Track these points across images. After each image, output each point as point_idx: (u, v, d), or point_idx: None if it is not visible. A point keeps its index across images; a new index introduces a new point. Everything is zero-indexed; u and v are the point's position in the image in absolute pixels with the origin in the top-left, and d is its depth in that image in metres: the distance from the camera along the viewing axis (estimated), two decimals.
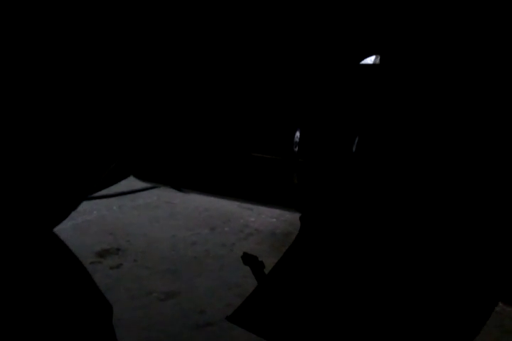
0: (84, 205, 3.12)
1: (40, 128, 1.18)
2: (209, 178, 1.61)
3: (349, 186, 1.26)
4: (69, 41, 1.15)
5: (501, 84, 1.12)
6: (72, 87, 1.20)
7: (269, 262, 1.30)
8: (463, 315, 1.06)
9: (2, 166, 1.14)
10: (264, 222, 3.65)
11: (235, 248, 3.27)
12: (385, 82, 1.27)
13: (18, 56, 1.11)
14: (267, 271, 1.30)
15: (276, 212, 3.63)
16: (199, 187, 1.73)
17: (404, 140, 1.19)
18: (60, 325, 1.07)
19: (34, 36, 1.11)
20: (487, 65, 1.13)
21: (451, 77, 1.16)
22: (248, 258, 1.30)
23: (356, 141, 1.23)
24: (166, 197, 3.98)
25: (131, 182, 2.04)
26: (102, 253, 3.21)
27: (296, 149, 1.31)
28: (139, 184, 2.10)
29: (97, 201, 3.55)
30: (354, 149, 1.23)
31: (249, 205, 3.52)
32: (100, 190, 1.78)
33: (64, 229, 3.19)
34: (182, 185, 1.70)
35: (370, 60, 1.45)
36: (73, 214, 1.43)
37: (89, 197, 2.10)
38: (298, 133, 1.31)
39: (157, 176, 1.78)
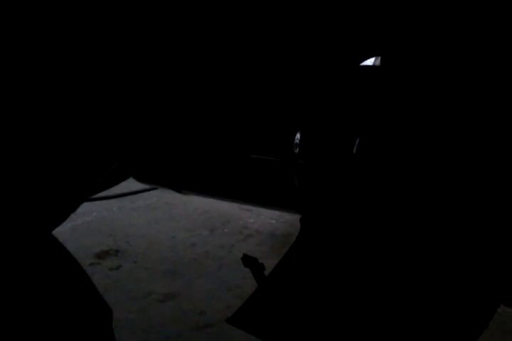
0: (84, 207, 3.11)
1: (40, 130, 1.17)
2: (209, 180, 1.61)
3: (350, 188, 1.25)
4: (69, 41, 1.15)
5: (502, 87, 1.11)
6: (73, 88, 1.20)
7: (269, 263, 1.30)
8: (466, 315, 1.06)
9: (2, 167, 1.14)
10: (263, 224, 3.65)
11: (235, 249, 3.27)
12: (386, 83, 1.26)
13: (18, 56, 1.11)
14: (266, 272, 1.29)
15: (275, 213, 3.63)
16: (199, 189, 1.72)
17: (405, 141, 1.19)
18: (59, 329, 1.06)
19: (34, 36, 1.10)
20: (488, 67, 1.13)
21: (451, 79, 1.15)
22: (248, 260, 1.29)
23: (357, 142, 1.23)
24: (165, 198, 3.98)
25: (130, 184, 2.04)
26: (102, 255, 3.21)
27: (297, 151, 1.31)
28: (139, 185, 2.09)
29: (97, 202, 3.54)
30: (355, 151, 1.23)
31: (249, 207, 3.52)
32: (100, 191, 1.78)
33: (63, 231, 3.19)
34: (182, 186, 1.69)
35: (369, 61, 1.45)
36: (72, 215, 1.43)
37: (88, 199, 2.10)
38: (298, 135, 1.31)
39: (157, 178, 1.78)
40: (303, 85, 1.38)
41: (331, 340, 1.15)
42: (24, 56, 1.11)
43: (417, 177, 1.17)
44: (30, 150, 1.17)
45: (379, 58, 1.43)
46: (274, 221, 3.67)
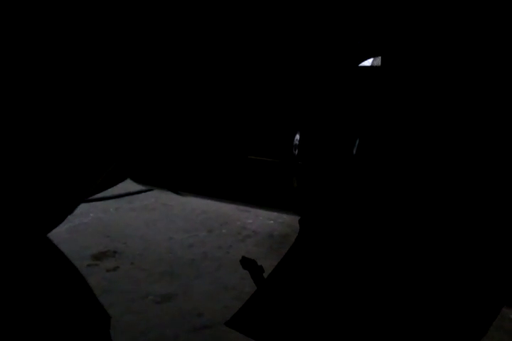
0: (81, 208, 3.10)
1: (38, 131, 1.17)
2: (208, 181, 1.60)
3: (349, 189, 1.25)
4: (70, 42, 1.14)
5: (502, 88, 1.11)
6: (71, 90, 1.19)
7: (267, 264, 1.29)
8: (469, 316, 1.05)
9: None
10: (261, 224, 3.64)
11: (233, 250, 3.26)
12: (386, 84, 1.26)
13: (18, 56, 1.10)
14: (265, 273, 1.29)
15: (273, 214, 3.63)
16: (197, 191, 1.71)
17: (406, 142, 1.18)
18: (55, 335, 1.05)
19: (34, 36, 1.10)
20: (488, 68, 1.12)
21: (452, 80, 1.15)
22: (247, 263, 1.28)
23: (357, 143, 1.22)
24: (163, 199, 3.96)
25: (127, 185, 2.02)
26: (99, 256, 3.20)
27: (296, 152, 1.30)
28: (136, 186, 2.08)
29: (94, 203, 3.53)
30: (355, 152, 1.22)
31: (247, 207, 3.52)
32: (98, 192, 1.77)
33: (60, 232, 3.18)
34: (180, 188, 1.69)
35: (368, 62, 1.45)
36: (69, 216, 1.41)
37: (85, 200, 2.09)
38: (298, 136, 1.30)
39: (155, 179, 1.77)
40: (302, 86, 1.37)
41: None
42: (24, 56, 1.11)
43: (417, 178, 1.16)
44: (28, 151, 1.17)
45: (377, 58, 1.43)
46: (272, 221, 3.67)
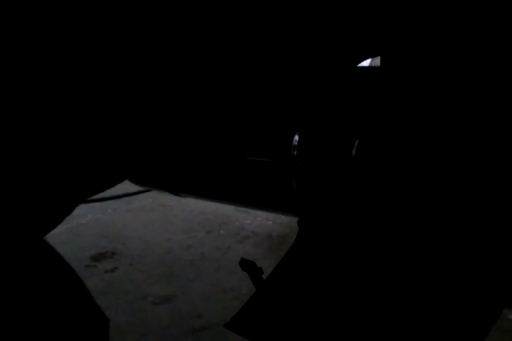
0: (79, 209, 3.09)
1: (36, 132, 1.16)
2: (207, 183, 1.60)
3: (348, 190, 1.24)
4: (70, 42, 1.13)
5: (502, 89, 1.10)
6: (70, 91, 1.18)
7: (266, 265, 1.28)
8: (470, 317, 1.05)
9: None
10: (260, 225, 3.63)
11: (231, 251, 3.26)
12: (386, 84, 1.25)
13: (18, 57, 1.10)
14: (264, 274, 1.28)
15: (272, 214, 3.62)
16: (196, 192, 1.71)
17: (405, 143, 1.18)
18: (53, 339, 1.04)
19: (35, 36, 1.09)
20: (488, 68, 1.12)
21: (452, 80, 1.14)
22: (246, 264, 1.28)
23: (356, 144, 1.21)
24: (161, 200, 3.96)
25: (125, 185, 2.02)
26: (97, 257, 3.19)
27: (295, 153, 1.30)
28: (134, 187, 2.08)
29: (92, 204, 3.53)
30: (354, 153, 1.22)
31: (245, 208, 3.51)
32: (96, 193, 1.76)
33: (58, 233, 3.17)
34: (179, 189, 1.68)
35: (367, 62, 1.44)
36: (67, 217, 1.41)
37: (84, 201, 2.08)
38: (297, 137, 1.30)
39: (153, 180, 1.76)
40: (301, 87, 1.36)
41: None
42: (23, 56, 1.10)
43: (416, 179, 1.16)
44: (26, 152, 1.16)
45: (375, 59, 1.42)
46: (270, 222, 3.66)
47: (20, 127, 1.14)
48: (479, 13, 1.10)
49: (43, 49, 1.11)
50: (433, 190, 1.14)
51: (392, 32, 1.22)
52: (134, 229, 3.61)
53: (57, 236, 2.96)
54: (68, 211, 1.39)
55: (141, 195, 3.61)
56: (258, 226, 3.61)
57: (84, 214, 3.74)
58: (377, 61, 1.39)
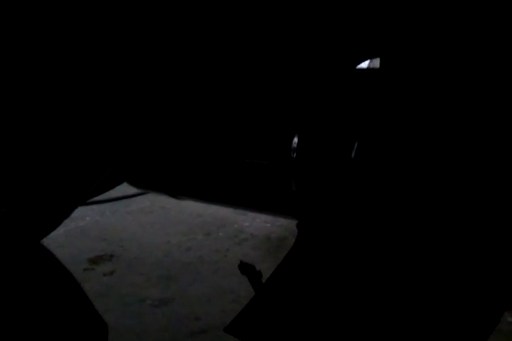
0: (77, 211, 3.08)
1: (35, 134, 1.16)
2: (205, 185, 1.59)
3: (348, 193, 1.24)
4: (70, 42, 1.13)
5: (503, 89, 1.10)
6: (69, 93, 1.18)
7: (265, 267, 1.28)
8: (470, 321, 1.04)
9: None
10: (258, 227, 3.63)
11: (230, 253, 3.25)
12: (385, 86, 1.25)
13: (18, 57, 1.09)
14: (263, 277, 1.27)
15: (271, 217, 3.62)
16: (196, 195, 1.70)
17: (405, 145, 1.17)
18: None
19: (35, 36, 1.09)
20: (488, 69, 1.11)
21: (452, 82, 1.14)
22: (245, 268, 1.27)
23: (355, 146, 1.21)
24: (159, 202, 3.95)
25: (123, 188, 2.01)
26: (95, 260, 3.18)
27: (294, 155, 1.29)
28: (132, 189, 2.07)
29: (90, 206, 3.52)
30: (353, 155, 1.21)
31: (244, 210, 3.51)
32: (94, 196, 1.76)
33: (56, 236, 3.15)
34: (178, 192, 1.67)
35: (365, 63, 1.44)
36: (66, 220, 1.41)
37: (82, 203, 2.08)
38: (296, 139, 1.29)
39: (152, 183, 1.76)
40: (301, 88, 1.36)
41: None
42: (23, 56, 1.10)
43: (417, 182, 1.15)
44: (25, 154, 1.16)
45: (374, 60, 1.42)
46: (269, 224, 3.66)
47: (19, 129, 1.14)
48: (479, 14, 1.10)
49: (43, 49, 1.11)
50: (433, 192, 1.14)
51: (391, 33, 1.22)
52: (133, 231, 3.60)
53: (56, 239, 2.95)
54: (67, 213, 1.38)
55: (140, 197, 3.61)
56: (257, 229, 3.60)
57: (83, 217, 3.73)
58: (375, 62, 1.39)
